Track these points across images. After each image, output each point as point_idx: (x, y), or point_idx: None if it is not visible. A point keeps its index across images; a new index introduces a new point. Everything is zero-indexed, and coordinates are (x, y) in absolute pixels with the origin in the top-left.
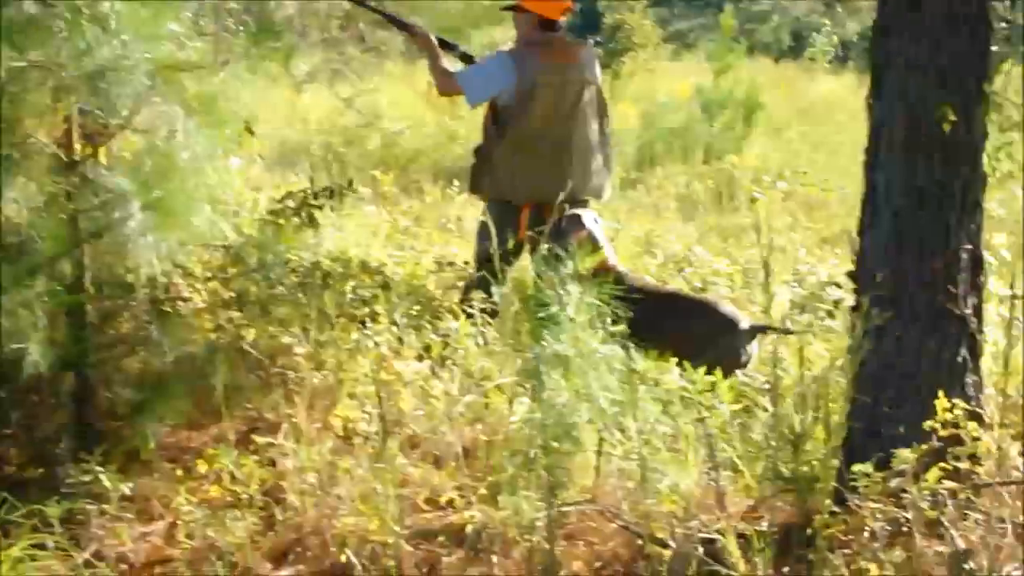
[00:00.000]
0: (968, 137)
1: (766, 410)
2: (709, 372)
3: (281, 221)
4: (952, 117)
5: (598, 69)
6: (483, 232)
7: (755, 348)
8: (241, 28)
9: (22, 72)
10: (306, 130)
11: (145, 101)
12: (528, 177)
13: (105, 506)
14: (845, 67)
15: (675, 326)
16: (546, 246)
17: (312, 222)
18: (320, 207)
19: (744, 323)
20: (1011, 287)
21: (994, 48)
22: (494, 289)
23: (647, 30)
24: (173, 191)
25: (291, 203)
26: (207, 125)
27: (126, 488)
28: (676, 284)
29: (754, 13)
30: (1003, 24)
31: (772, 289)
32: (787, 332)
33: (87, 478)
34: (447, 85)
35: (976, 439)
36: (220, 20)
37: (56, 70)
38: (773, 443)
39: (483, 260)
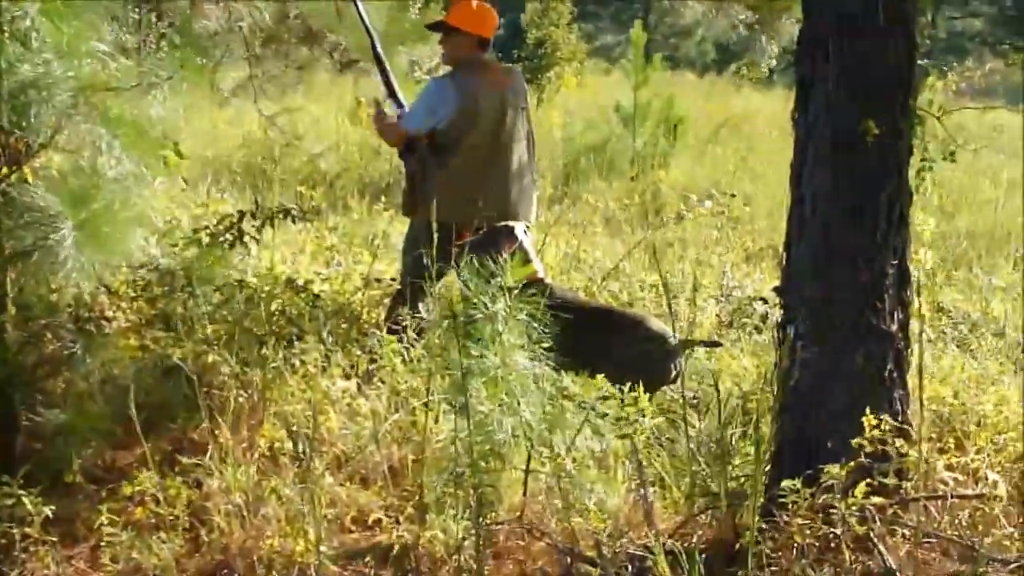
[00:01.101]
0: (893, 152)
1: (694, 426)
2: (639, 387)
3: (206, 239)
4: (876, 131)
5: (527, 93)
6: (411, 249)
7: (683, 362)
8: (165, 45)
9: None
10: (230, 147)
11: (68, 120)
12: (469, 200)
13: (28, 529)
14: (772, 82)
15: (605, 341)
16: (474, 258)
17: (241, 242)
18: (258, 229)
19: (673, 338)
20: (937, 302)
21: (919, 63)
22: (421, 305)
23: (572, 45)
24: (99, 211)
25: (221, 226)
26: (131, 144)
27: (49, 511)
28: (604, 299)
29: (679, 28)
30: (927, 40)
31: (699, 303)
32: (715, 345)
33: (9, 501)
34: (387, 136)
35: (903, 454)
36: (143, 37)
37: None
38: (701, 459)
39: (411, 277)
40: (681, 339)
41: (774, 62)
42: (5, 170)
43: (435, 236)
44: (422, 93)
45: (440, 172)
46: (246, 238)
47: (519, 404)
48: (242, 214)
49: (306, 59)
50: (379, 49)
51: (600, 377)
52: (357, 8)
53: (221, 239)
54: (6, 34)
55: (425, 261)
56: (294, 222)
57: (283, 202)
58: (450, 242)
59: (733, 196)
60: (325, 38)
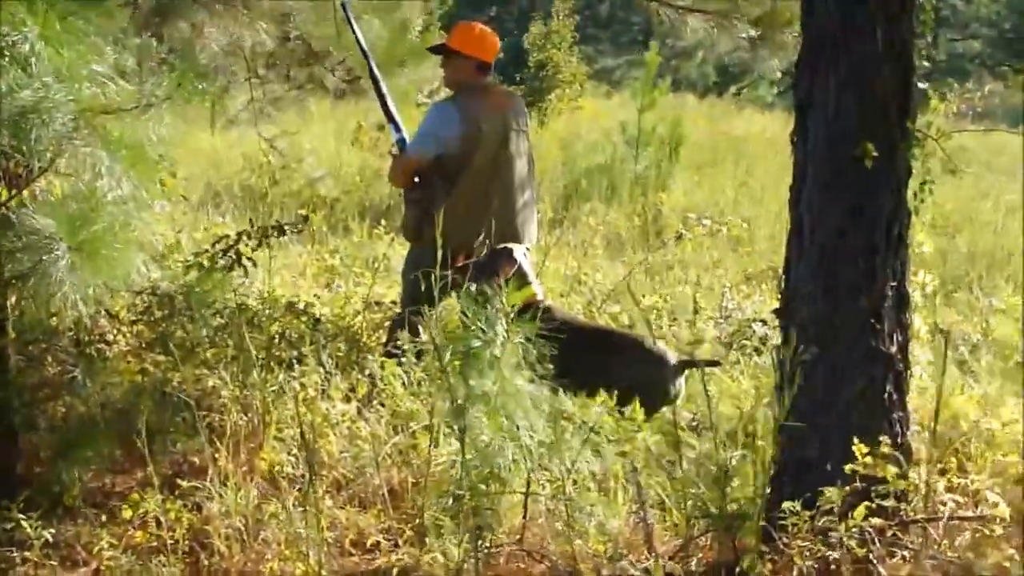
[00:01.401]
0: (892, 174)
1: (694, 447)
2: (639, 407)
3: (206, 263)
4: (875, 153)
5: (527, 116)
6: (412, 273)
7: (683, 383)
8: (165, 69)
9: None
10: (231, 171)
11: (68, 143)
12: (473, 223)
13: (28, 553)
14: (772, 104)
15: (604, 362)
16: (473, 283)
17: (240, 264)
18: (253, 249)
19: (672, 358)
20: (936, 325)
21: (919, 85)
22: (422, 329)
23: (573, 67)
24: (97, 234)
25: (220, 246)
26: (131, 167)
27: (49, 535)
28: (604, 321)
29: (679, 50)
30: (926, 62)
31: (699, 325)
32: (714, 364)
33: (9, 525)
34: (401, 173)
35: (902, 476)
36: (144, 61)
37: None
38: (701, 481)
39: (411, 301)
40: (681, 359)
41: (778, 75)
42: (4, 194)
43: (439, 260)
44: (425, 118)
45: (449, 195)
46: (244, 260)
47: (518, 427)
48: (239, 235)
49: (307, 81)
50: (376, 72)
51: (599, 397)
52: (353, 32)
53: (219, 261)
54: (6, 58)
55: (424, 285)
56: (284, 234)
57: (292, 220)
58: (452, 266)
59: (730, 219)
60: (325, 59)
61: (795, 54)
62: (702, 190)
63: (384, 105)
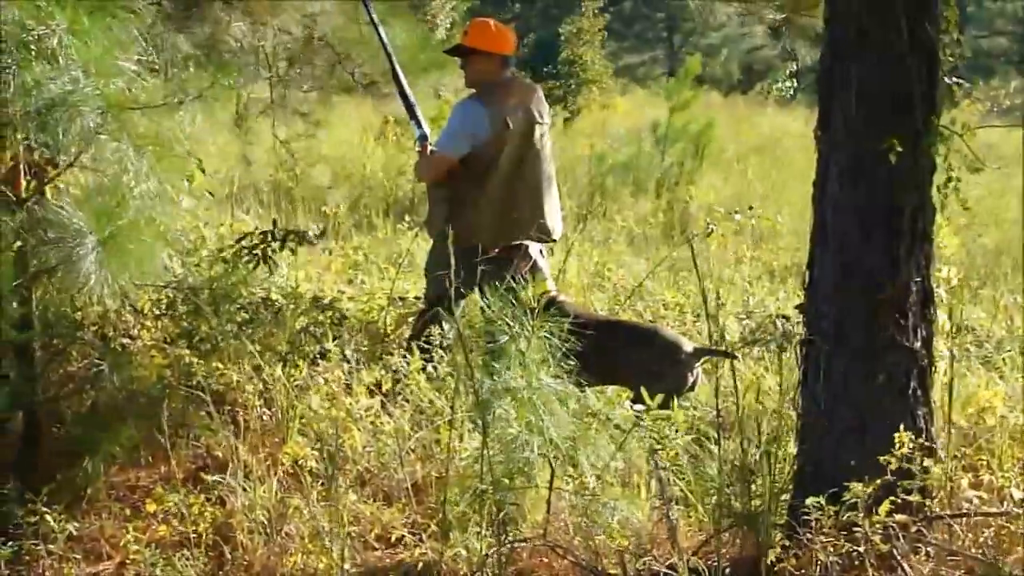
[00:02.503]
0: (916, 169)
1: (718, 444)
2: (656, 398)
3: (230, 258)
4: (899, 148)
5: (548, 108)
6: (436, 269)
7: (699, 372)
8: (192, 65)
9: None
10: (255, 167)
11: (94, 138)
12: (502, 219)
13: (52, 546)
14: (795, 100)
15: (620, 354)
16: (497, 279)
17: (266, 261)
18: (275, 251)
19: (688, 347)
20: (959, 320)
21: (944, 81)
22: (446, 325)
23: (600, 65)
24: (124, 229)
25: (246, 244)
26: (157, 162)
27: (73, 528)
28: (626, 316)
29: (704, 47)
30: (951, 58)
31: (722, 321)
32: (730, 356)
33: (34, 518)
34: (434, 171)
35: (927, 472)
36: (171, 57)
37: (3, 106)
38: (725, 477)
39: (436, 297)
40: (696, 347)
41: (804, 62)
42: (31, 187)
43: (467, 256)
44: (452, 117)
45: (476, 195)
46: (268, 258)
47: (543, 422)
48: (264, 235)
49: (329, 80)
50: (398, 69)
51: (624, 394)
52: (377, 32)
53: (243, 258)
54: (33, 52)
55: (452, 282)
56: (303, 243)
57: (307, 221)
58: (475, 263)
59: (751, 208)
60: (348, 60)
61: (819, 41)
62: (728, 186)
63: (406, 101)
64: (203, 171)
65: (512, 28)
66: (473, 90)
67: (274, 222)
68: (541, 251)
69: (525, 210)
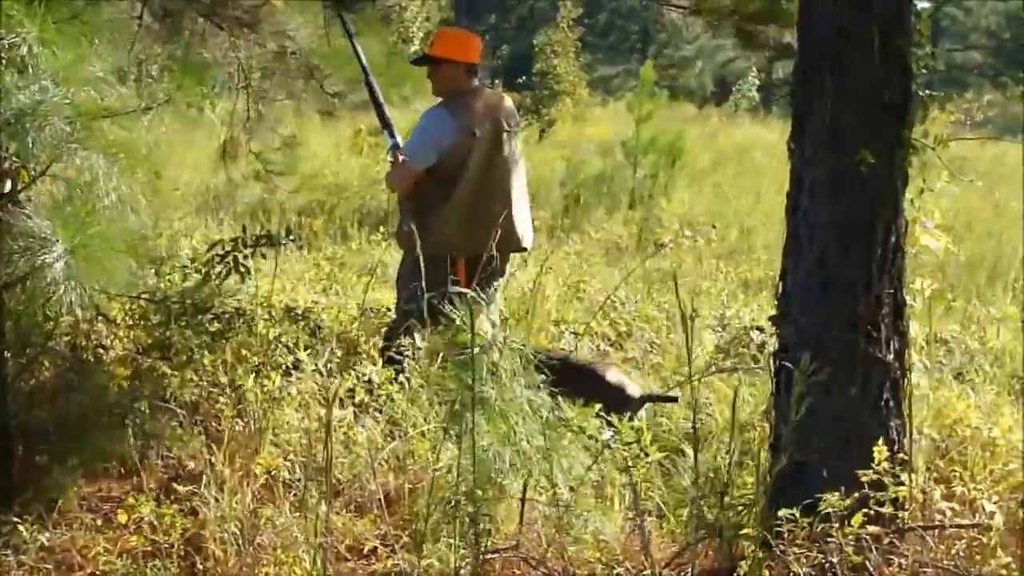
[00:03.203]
0: (889, 181)
1: (692, 456)
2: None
3: (204, 268)
4: (872, 161)
5: (517, 117)
6: (408, 279)
7: (643, 415)
8: (164, 74)
9: None
10: (230, 177)
11: (64, 146)
12: (472, 229)
13: (23, 557)
14: (770, 112)
15: (565, 392)
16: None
17: (238, 269)
18: (249, 256)
19: (633, 391)
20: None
21: (917, 93)
22: (417, 335)
23: (574, 77)
24: (95, 238)
25: (219, 251)
26: (128, 171)
27: (44, 538)
28: (602, 331)
29: (678, 59)
30: (924, 70)
31: (696, 333)
32: (672, 400)
33: (5, 529)
34: (402, 180)
35: (900, 484)
36: (143, 66)
37: None
38: (698, 489)
39: (406, 307)
40: (642, 393)
41: (769, 92)
42: (1, 195)
43: (436, 267)
44: (419, 127)
45: (445, 201)
46: (240, 266)
47: (516, 433)
48: (233, 241)
49: (303, 94)
50: (371, 79)
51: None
52: (352, 42)
53: (215, 267)
54: (3, 61)
55: (421, 291)
56: (274, 245)
57: (280, 230)
58: (446, 273)
59: (714, 227)
60: (319, 73)
61: (793, 54)
62: (701, 198)
63: (379, 111)
64: (159, 176)
65: (479, 37)
66: (440, 99)
67: (243, 228)
68: (507, 261)
69: (493, 219)
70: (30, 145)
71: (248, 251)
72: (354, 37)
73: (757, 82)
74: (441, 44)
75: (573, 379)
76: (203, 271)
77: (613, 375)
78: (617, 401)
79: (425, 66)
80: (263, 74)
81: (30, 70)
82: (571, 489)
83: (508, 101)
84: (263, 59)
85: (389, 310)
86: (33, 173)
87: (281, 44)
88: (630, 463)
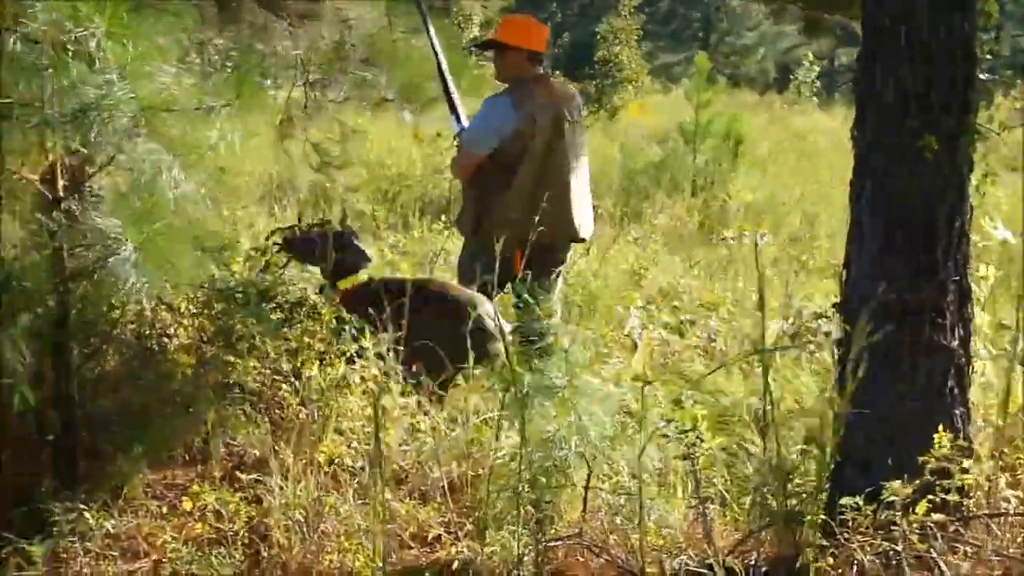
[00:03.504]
0: (953, 167)
1: (754, 443)
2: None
3: (264, 256)
4: (935, 146)
5: (581, 107)
6: (469, 266)
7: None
8: (228, 66)
9: (6, 110)
10: (293, 167)
11: (129, 140)
12: (530, 217)
13: (89, 544)
14: (833, 99)
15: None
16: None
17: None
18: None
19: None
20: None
21: (981, 78)
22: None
23: (636, 66)
24: (159, 230)
25: (276, 239)
26: (192, 164)
27: (110, 526)
28: (663, 317)
29: (739, 46)
30: (988, 55)
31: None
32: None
33: (71, 516)
34: (463, 167)
35: (965, 471)
36: (207, 58)
37: (40, 108)
38: (762, 477)
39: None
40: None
41: (832, 79)
42: (66, 189)
43: (497, 253)
44: (480, 113)
45: (505, 188)
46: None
47: (580, 420)
48: (290, 228)
49: (361, 89)
50: (444, 64)
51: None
52: (425, 22)
53: (273, 255)
54: (71, 54)
55: (483, 279)
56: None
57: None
58: (509, 260)
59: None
60: (376, 68)
61: (856, 41)
62: (764, 186)
63: (448, 98)
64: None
65: (545, 25)
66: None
67: (299, 216)
68: (566, 251)
69: (551, 208)
70: (95, 138)
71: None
72: (428, 18)
73: (817, 68)
74: (506, 30)
75: (426, 301)
76: (264, 259)
77: (461, 293)
78: (464, 320)
79: (489, 50)
80: (322, 67)
81: (97, 63)
82: (633, 476)
83: (573, 91)
84: (322, 49)
85: None
86: (97, 165)
87: (340, 36)
88: (691, 451)
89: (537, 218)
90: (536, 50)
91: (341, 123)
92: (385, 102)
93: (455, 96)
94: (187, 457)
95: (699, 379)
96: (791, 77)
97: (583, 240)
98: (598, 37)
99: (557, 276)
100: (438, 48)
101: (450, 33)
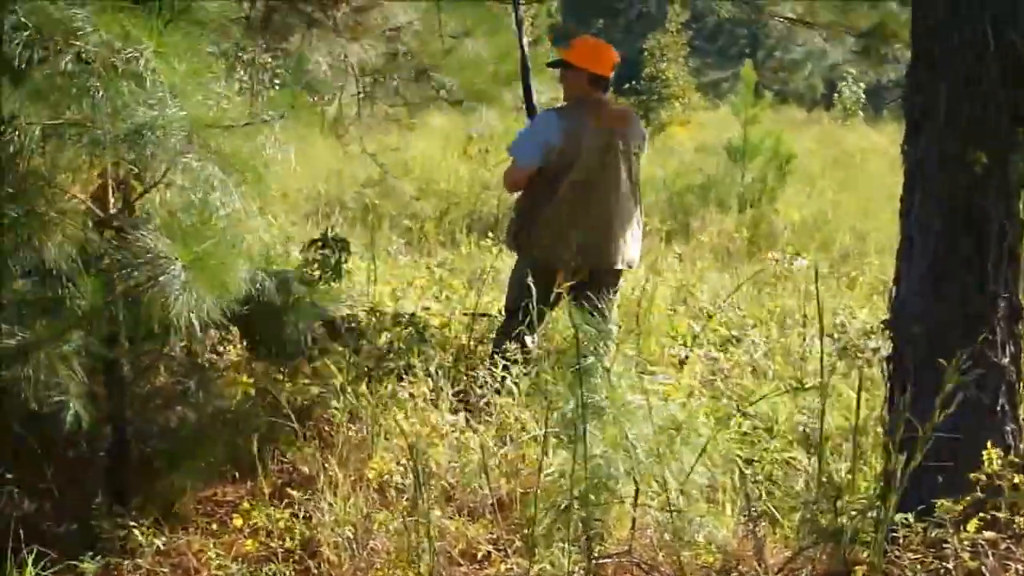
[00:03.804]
0: (1003, 182)
1: (804, 460)
2: None
3: (313, 273)
4: (985, 162)
5: (644, 139)
6: (517, 284)
7: None
8: (277, 83)
9: (58, 129)
10: (340, 183)
11: (180, 158)
12: (571, 237)
13: (140, 561)
14: (881, 116)
15: None
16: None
17: (337, 273)
18: (342, 258)
19: None
20: None
21: None
22: (528, 339)
23: (683, 82)
24: (209, 249)
25: (308, 254)
26: (242, 182)
27: (160, 542)
28: (710, 335)
29: (787, 62)
30: None
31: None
32: None
33: (121, 532)
34: (511, 180)
35: (1016, 488)
36: (256, 76)
37: (92, 127)
38: (812, 494)
39: (515, 311)
40: None
41: (879, 96)
42: (118, 208)
43: (539, 273)
44: (528, 127)
45: (546, 207)
46: (343, 270)
47: (628, 438)
48: (314, 242)
49: (415, 98)
50: (528, 64)
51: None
52: (516, 11)
53: (313, 271)
54: (121, 74)
55: (528, 296)
56: (349, 252)
57: (392, 235)
58: (551, 280)
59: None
60: (434, 71)
61: (902, 67)
62: (812, 203)
63: (529, 101)
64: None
65: (615, 51)
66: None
67: (326, 230)
68: (604, 276)
69: (590, 233)
70: (147, 157)
71: (337, 253)
72: (520, 6)
73: (862, 85)
74: (573, 50)
75: None
76: (308, 276)
77: None
78: None
79: (556, 68)
80: (374, 77)
81: (147, 83)
82: (682, 493)
83: (633, 118)
84: (373, 60)
85: (500, 314)
86: (147, 184)
87: (392, 46)
88: (741, 466)
89: (570, 241)
90: (599, 73)
91: (389, 136)
92: (438, 110)
93: (534, 94)
94: (237, 474)
95: (747, 397)
96: (838, 93)
97: (617, 271)
98: (645, 54)
99: (609, 299)
100: (526, 51)
101: (504, 45)
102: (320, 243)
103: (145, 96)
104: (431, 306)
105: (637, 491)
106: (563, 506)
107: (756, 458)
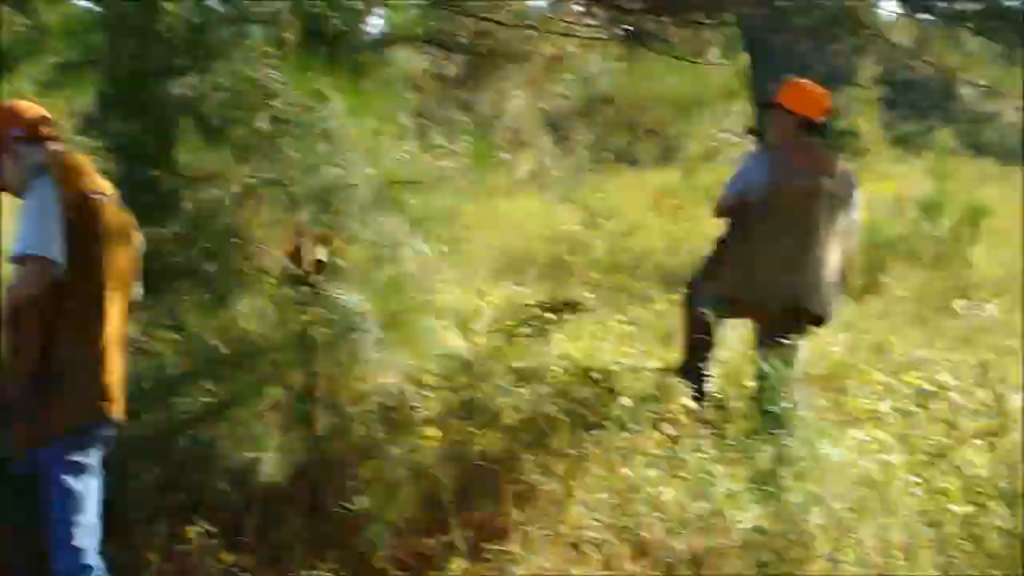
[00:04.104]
0: None
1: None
2: None
3: (513, 332)
4: None
5: (854, 189)
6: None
7: None
8: (467, 138)
9: (255, 188)
10: (527, 237)
11: (372, 214)
12: (758, 277)
13: None
14: None
15: None
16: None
17: (543, 333)
18: (554, 320)
19: None
20: None
21: None
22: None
23: (874, 135)
24: (403, 304)
25: (523, 316)
26: (431, 236)
27: None
28: (904, 391)
29: (981, 114)
30: None
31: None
32: None
33: None
34: (716, 209)
35: None
36: (447, 130)
37: (287, 185)
38: (1011, 551)
39: (695, 354)
40: None
41: None
42: (312, 264)
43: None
44: (740, 164)
45: (737, 244)
46: (545, 329)
47: (823, 492)
48: (539, 305)
49: (608, 146)
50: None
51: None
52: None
53: (521, 329)
54: (312, 133)
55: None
56: (575, 311)
57: (582, 291)
58: (737, 316)
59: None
60: (635, 126)
61: None
62: (1009, 258)
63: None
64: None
65: (827, 96)
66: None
67: (549, 294)
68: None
69: (773, 278)
70: (339, 214)
71: (551, 315)
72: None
73: None
74: (784, 92)
75: None
76: (509, 333)
77: None
78: None
79: (768, 109)
80: (567, 127)
81: (337, 141)
82: (881, 549)
83: (841, 166)
84: (562, 110)
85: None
86: (340, 240)
87: (588, 92)
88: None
89: (752, 282)
90: (808, 117)
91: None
92: (636, 156)
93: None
94: (432, 527)
95: (944, 451)
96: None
97: (813, 315)
98: (834, 107)
99: (795, 343)
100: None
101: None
102: (547, 306)
103: (336, 153)
104: (624, 360)
105: (835, 547)
106: (759, 561)
107: (953, 514)
